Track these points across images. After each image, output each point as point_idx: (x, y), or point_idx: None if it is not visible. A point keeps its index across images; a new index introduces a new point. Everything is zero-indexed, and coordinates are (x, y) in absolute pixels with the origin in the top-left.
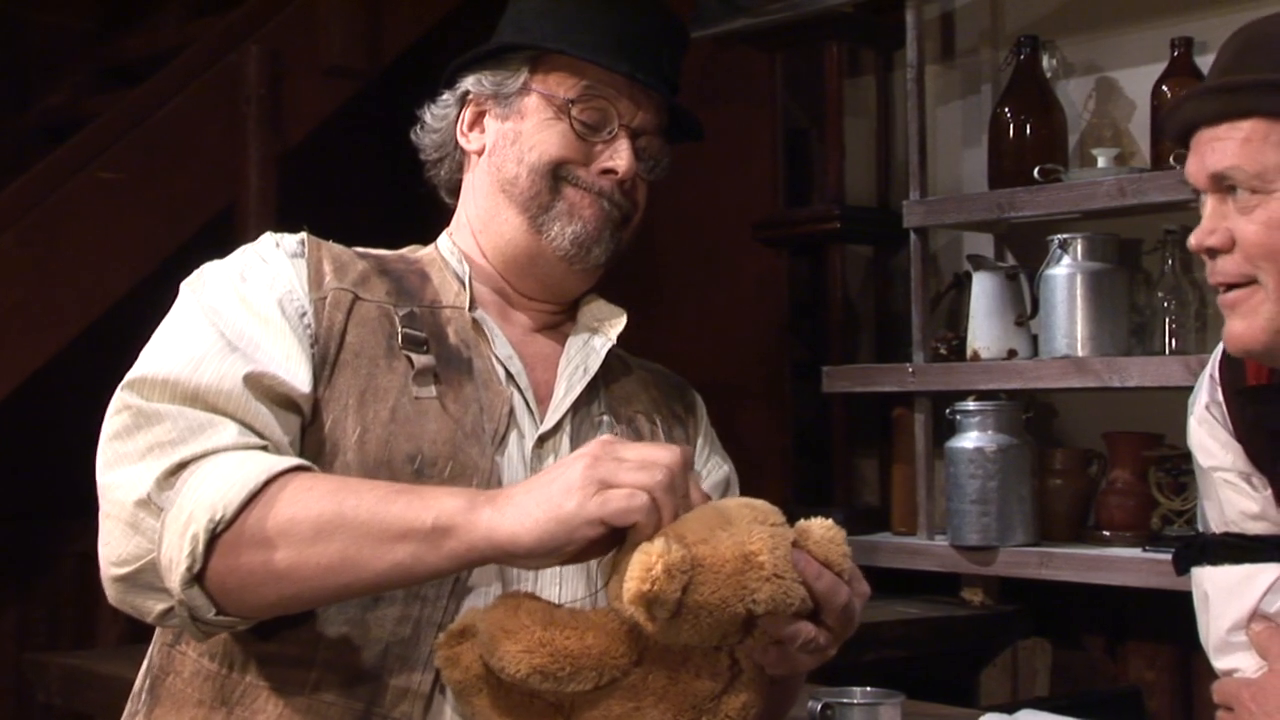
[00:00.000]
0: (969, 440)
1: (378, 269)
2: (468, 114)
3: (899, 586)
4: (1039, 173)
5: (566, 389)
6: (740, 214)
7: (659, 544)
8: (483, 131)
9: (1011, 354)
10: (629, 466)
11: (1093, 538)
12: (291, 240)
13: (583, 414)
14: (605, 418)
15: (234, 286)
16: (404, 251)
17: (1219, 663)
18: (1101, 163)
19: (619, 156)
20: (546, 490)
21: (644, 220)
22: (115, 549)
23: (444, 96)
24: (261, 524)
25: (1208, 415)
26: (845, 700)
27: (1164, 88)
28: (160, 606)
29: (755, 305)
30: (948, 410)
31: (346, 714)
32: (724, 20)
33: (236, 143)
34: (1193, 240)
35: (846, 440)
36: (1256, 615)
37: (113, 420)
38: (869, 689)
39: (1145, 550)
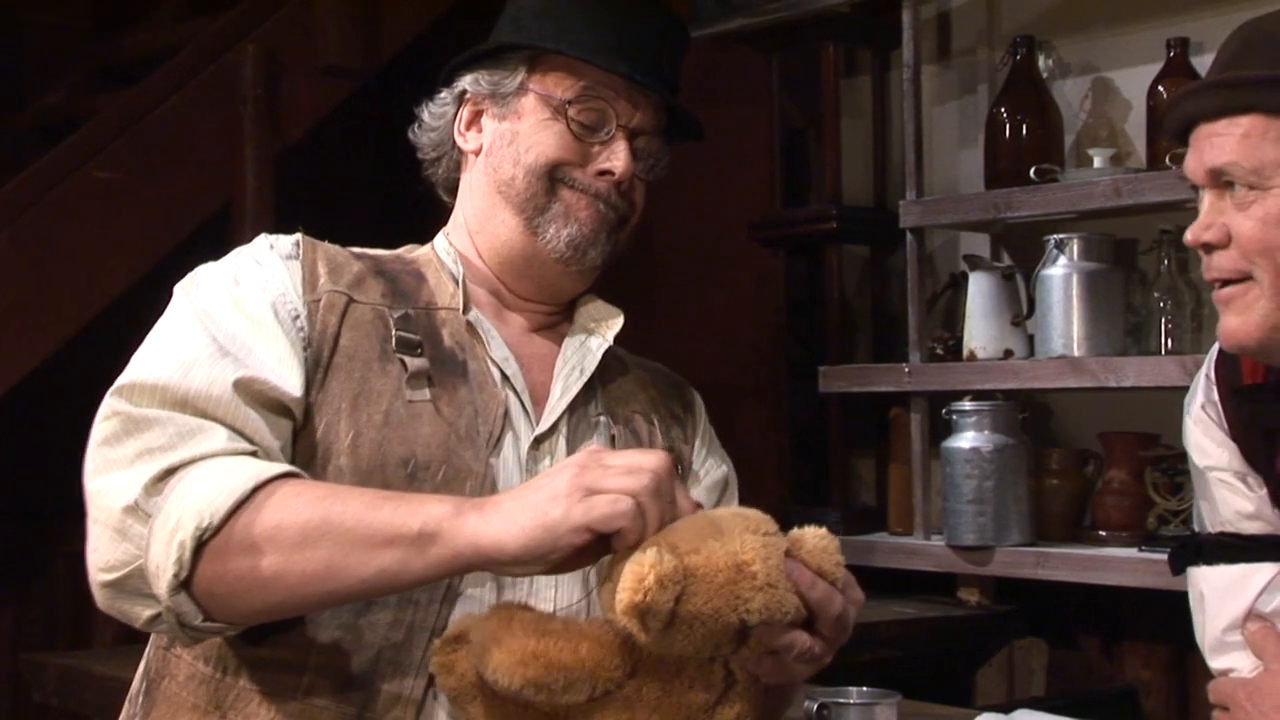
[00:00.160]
0: (965, 440)
1: (373, 270)
2: (465, 113)
3: (895, 586)
4: (1035, 173)
5: (563, 390)
6: (737, 214)
7: (651, 554)
8: (480, 131)
9: (1008, 354)
10: (614, 472)
11: (1089, 538)
12: (286, 242)
13: (579, 415)
14: (602, 418)
15: (227, 290)
16: (401, 251)
17: (1215, 662)
18: (1097, 163)
19: (616, 158)
20: (533, 498)
21: (641, 220)
22: (103, 555)
23: (441, 95)
24: (248, 530)
25: (1203, 415)
26: (841, 700)
27: (1160, 88)
28: (148, 612)
29: (752, 305)
30: (944, 410)
31: (339, 719)
32: (720, 20)
33: (233, 142)
34: (1189, 235)
35: (843, 440)
36: (1252, 615)
37: (101, 426)
38: (865, 689)
39: (1141, 550)
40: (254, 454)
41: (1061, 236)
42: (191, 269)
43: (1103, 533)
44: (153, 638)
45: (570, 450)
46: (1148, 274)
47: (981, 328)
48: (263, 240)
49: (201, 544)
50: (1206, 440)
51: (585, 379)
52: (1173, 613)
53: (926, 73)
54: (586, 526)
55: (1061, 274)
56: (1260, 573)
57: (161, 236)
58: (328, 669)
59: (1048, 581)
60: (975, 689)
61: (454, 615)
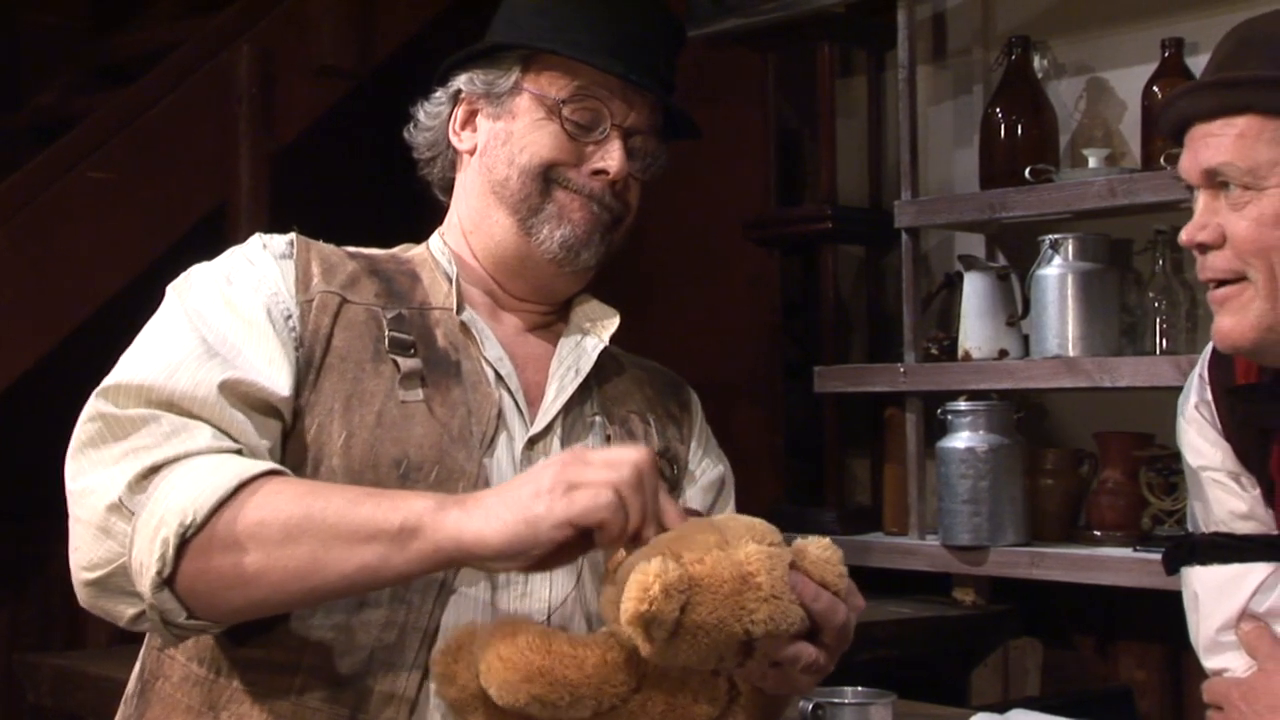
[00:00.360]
0: (960, 440)
1: (368, 270)
2: (460, 113)
3: (891, 586)
4: (1030, 173)
5: (558, 390)
6: (732, 214)
7: (656, 563)
8: (475, 131)
9: (1003, 354)
10: (595, 467)
11: (1083, 537)
12: (280, 241)
13: (575, 415)
14: (598, 418)
15: (219, 289)
16: (395, 251)
17: (1209, 662)
18: (1092, 163)
19: (610, 157)
20: (516, 494)
21: (636, 220)
22: (86, 554)
23: (436, 95)
24: (231, 528)
25: (1197, 415)
26: (837, 700)
27: (1155, 88)
28: (131, 610)
29: (747, 305)
30: (939, 410)
31: (332, 719)
32: (716, 20)
33: (228, 142)
34: (1184, 235)
35: (838, 440)
36: (1246, 615)
37: (85, 427)
38: (860, 689)
39: (1136, 550)
40: (239, 453)
41: (1056, 237)
42: (186, 269)
43: (1097, 533)
44: (147, 639)
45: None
46: (1142, 274)
47: (976, 328)
48: (256, 240)
49: (185, 541)
50: (1200, 440)
51: (580, 379)
52: (1167, 613)
53: (922, 73)
54: (569, 521)
55: (1056, 274)
56: (1254, 573)
57: (156, 236)
58: (321, 669)
59: (1043, 581)
60: (970, 689)
61: (446, 615)
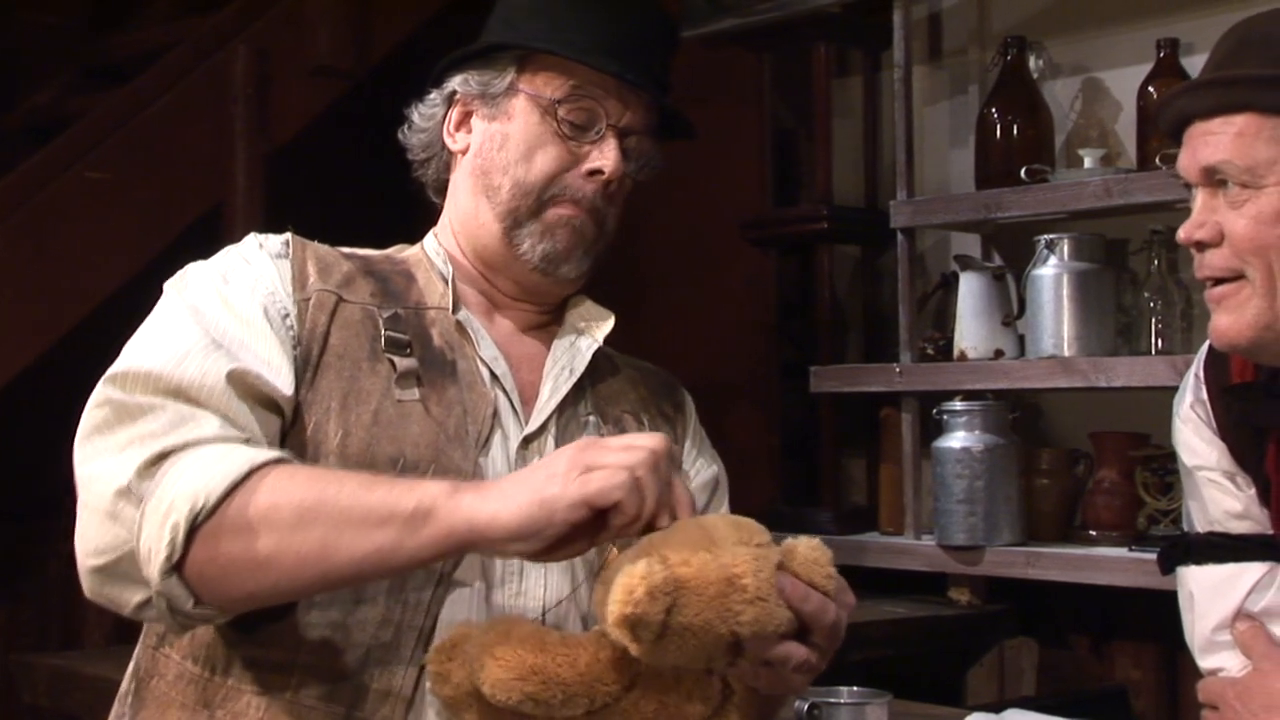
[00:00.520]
0: (956, 440)
1: (363, 270)
2: (454, 114)
3: (886, 586)
4: (1026, 173)
5: (552, 390)
6: (728, 214)
7: (641, 565)
8: (469, 132)
9: (998, 354)
10: (613, 450)
11: (1079, 537)
12: (275, 241)
13: (569, 415)
14: (591, 418)
15: (216, 288)
16: (390, 252)
17: (1204, 662)
18: (1088, 163)
19: (606, 157)
20: (531, 477)
21: (628, 220)
22: (93, 539)
23: (431, 96)
24: (243, 512)
25: (1193, 414)
26: (832, 700)
27: (1150, 88)
28: (138, 598)
29: (743, 305)
30: (935, 410)
31: (328, 717)
32: (711, 20)
33: (224, 142)
34: (1182, 233)
35: (834, 440)
36: (1241, 614)
37: (93, 413)
38: (856, 689)
39: (1131, 550)
40: (246, 442)
41: (1052, 237)
42: (182, 269)
43: (1093, 532)
44: (142, 637)
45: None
46: (1138, 274)
47: (972, 328)
48: (252, 239)
49: (195, 526)
50: (1196, 439)
51: (575, 379)
52: (1162, 612)
53: (917, 73)
54: (584, 500)
55: (1052, 274)
56: (1249, 572)
57: (152, 236)
58: (317, 668)
59: (1038, 581)
60: (966, 689)
61: (443, 614)
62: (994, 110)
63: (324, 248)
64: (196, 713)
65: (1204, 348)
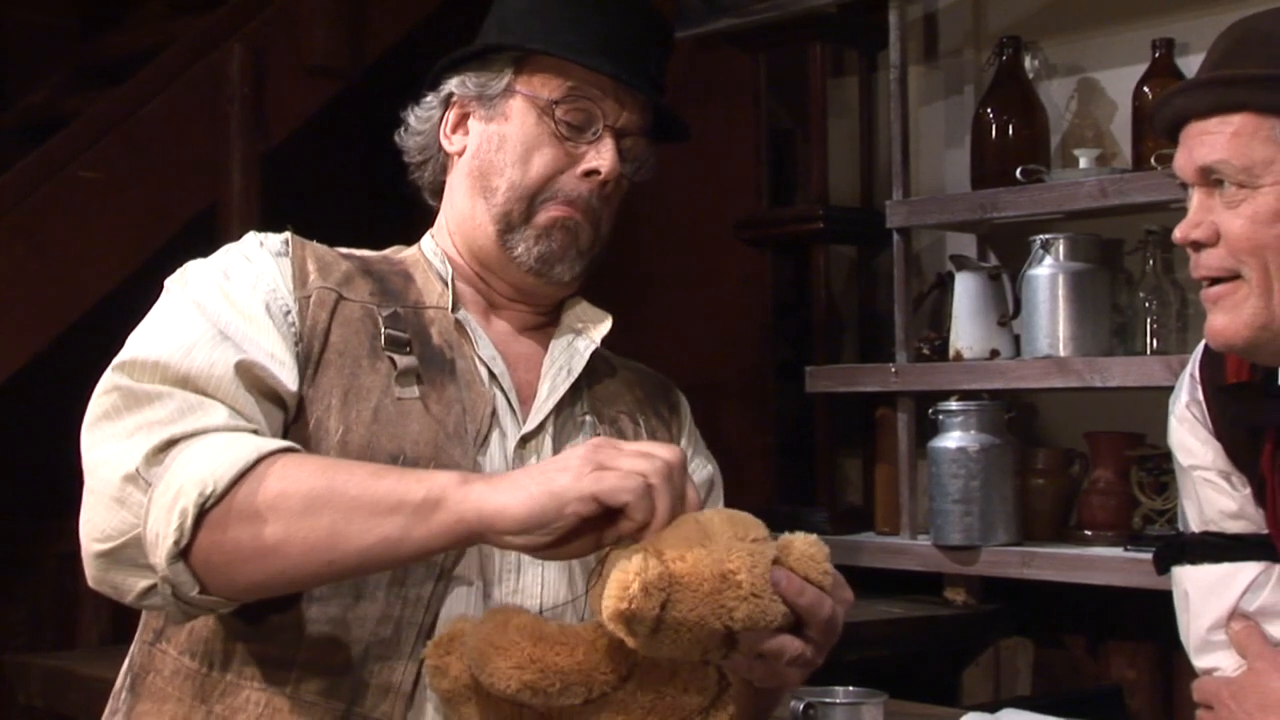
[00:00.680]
0: (952, 440)
1: (361, 269)
2: (451, 116)
3: (882, 586)
4: (1021, 173)
5: (550, 390)
6: (724, 213)
7: (636, 561)
8: (466, 133)
9: (994, 354)
10: (628, 454)
11: (1074, 537)
12: (275, 239)
13: (566, 415)
14: (588, 418)
15: (219, 283)
16: (387, 252)
17: (1199, 661)
18: (1083, 163)
19: (603, 156)
20: (542, 469)
21: (623, 220)
22: (99, 525)
23: (428, 98)
24: (251, 499)
25: (1188, 414)
26: (828, 700)
27: (1145, 89)
28: (142, 584)
29: (738, 305)
30: (930, 410)
31: (327, 714)
32: (707, 20)
33: (219, 142)
34: (1178, 233)
35: (829, 440)
36: (1236, 614)
37: (101, 400)
38: (851, 688)
39: (1126, 550)
40: (254, 432)
41: (1047, 237)
42: (178, 269)
43: (1088, 532)
44: (138, 633)
45: (556, 449)
46: (1133, 274)
47: (968, 328)
48: (252, 237)
49: (203, 512)
50: (1191, 439)
51: (573, 379)
52: (1158, 612)
53: (913, 73)
54: (594, 496)
55: (1047, 274)
56: (1244, 572)
57: (147, 236)
58: (316, 664)
59: (1034, 581)
60: (961, 688)
61: (443, 611)
62: (989, 110)
63: (322, 247)
64: (193, 708)
65: (1199, 347)
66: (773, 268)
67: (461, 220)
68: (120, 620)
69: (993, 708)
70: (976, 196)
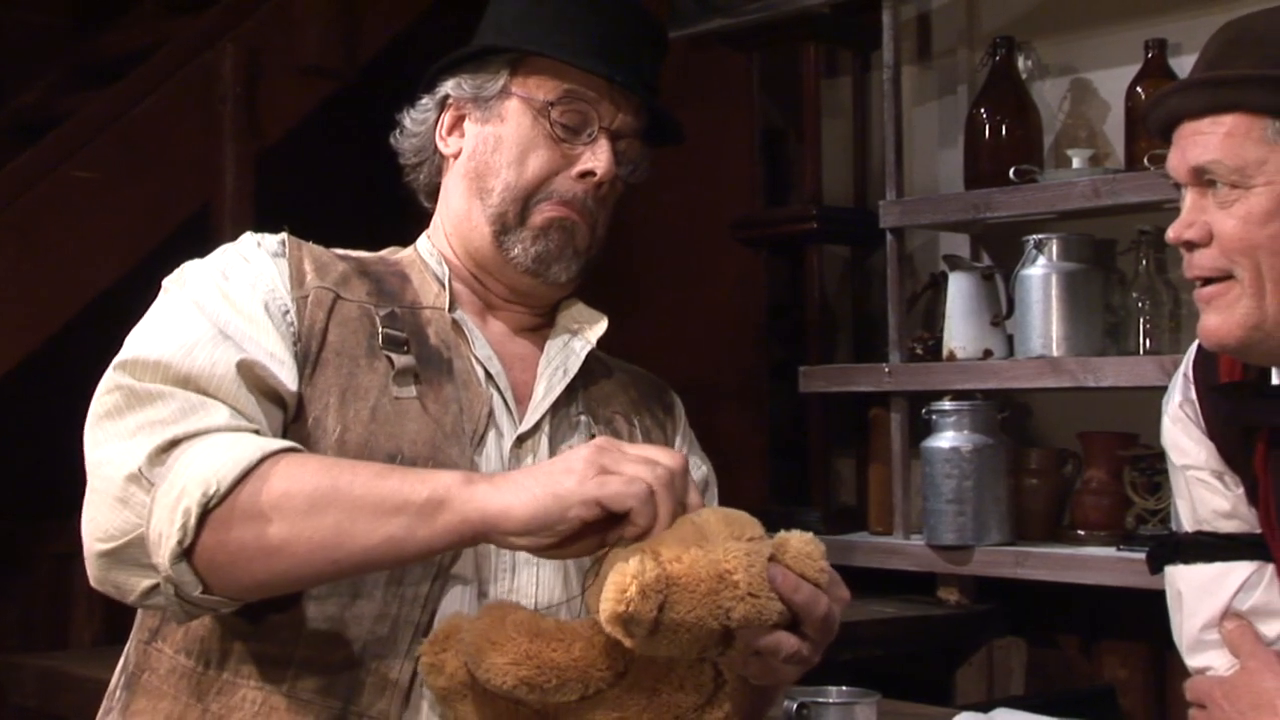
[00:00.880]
0: (945, 440)
1: (358, 270)
2: (447, 118)
3: (875, 586)
4: (1014, 173)
5: (546, 390)
6: (717, 214)
7: (634, 563)
8: (461, 135)
9: (987, 354)
10: (631, 459)
11: (1068, 537)
12: (272, 240)
13: (561, 415)
14: (583, 418)
15: (217, 283)
16: (384, 253)
17: (1192, 661)
18: (1076, 163)
19: (598, 158)
20: (547, 471)
21: (617, 220)
22: (102, 524)
23: (423, 100)
24: (255, 498)
25: (1181, 414)
26: (821, 700)
27: (1138, 89)
28: (145, 583)
29: (732, 305)
30: (924, 410)
31: (324, 712)
32: (700, 20)
33: (213, 142)
34: (1171, 233)
35: (823, 440)
36: (1229, 613)
37: (104, 399)
38: (845, 688)
39: (1120, 549)
40: (256, 433)
41: (1040, 237)
42: (172, 269)
43: (1081, 532)
44: (133, 633)
45: (552, 449)
46: (1126, 274)
47: (961, 328)
48: (249, 238)
49: (207, 511)
50: (1184, 439)
51: (569, 379)
52: (1151, 612)
53: (906, 73)
54: (597, 500)
55: (1040, 274)
56: (1237, 571)
57: (141, 236)
58: (312, 662)
59: (1027, 581)
60: (955, 688)
61: (439, 610)
62: (983, 110)
63: (319, 248)
64: (189, 706)
65: (1193, 347)
66: (766, 268)
67: (458, 221)
68: (114, 621)
69: (986, 707)
70: (970, 196)
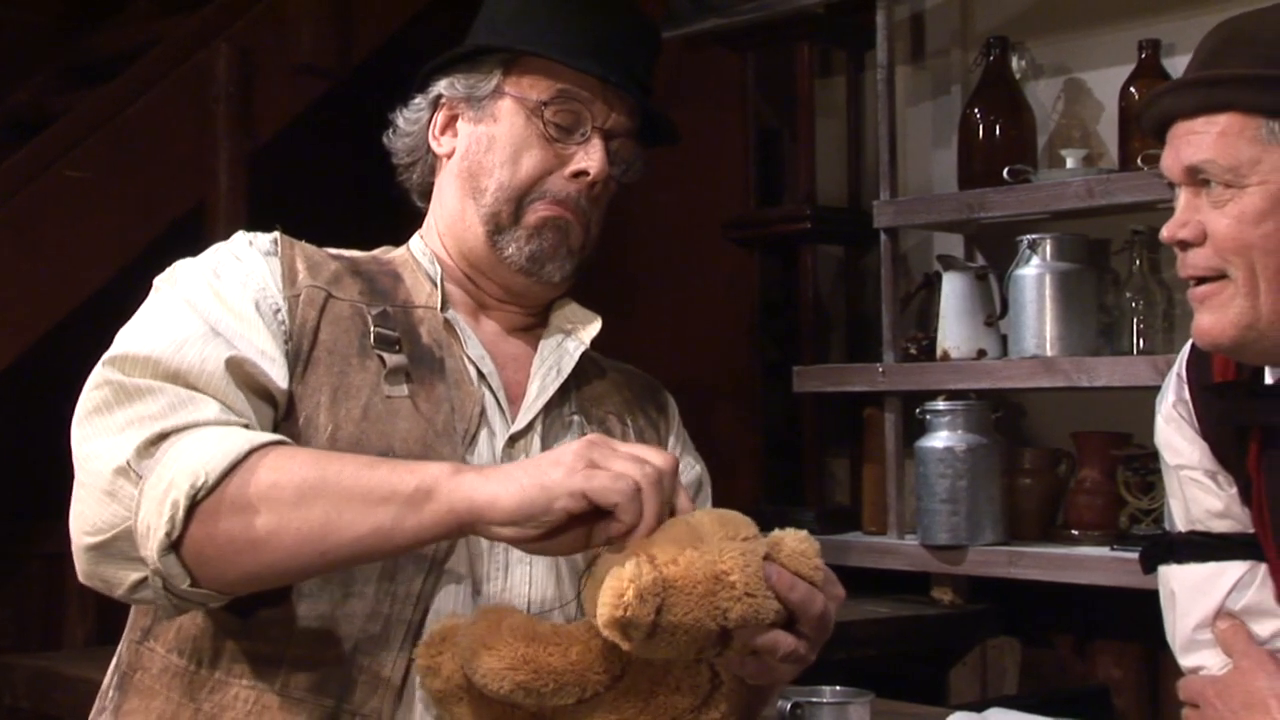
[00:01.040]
0: (939, 440)
1: (350, 269)
2: (440, 118)
3: (869, 585)
4: (1008, 173)
5: (539, 389)
6: (711, 214)
7: (630, 568)
8: (455, 135)
9: (981, 354)
10: (621, 456)
11: (1061, 537)
12: (264, 239)
13: (554, 415)
14: (576, 418)
15: (208, 281)
16: (376, 253)
17: (1185, 660)
18: (1070, 164)
19: (591, 158)
20: (537, 464)
21: (611, 220)
22: (89, 517)
23: (416, 100)
24: (243, 490)
25: (1175, 414)
26: (815, 699)
27: (1131, 89)
28: (133, 577)
29: (726, 305)
30: (918, 410)
31: (316, 710)
32: (695, 20)
33: (206, 141)
34: (1165, 232)
35: (817, 440)
36: (1222, 613)
37: (92, 394)
38: (839, 688)
39: (1113, 549)
40: (245, 427)
41: (1034, 237)
42: (164, 268)
43: (1075, 532)
44: (126, 632)
45: (545, 449)
46: (1120, 274)
47: (955, 328)
48: (241, 236)
49: (195, 503)
50: (1178, 439)
51: (562, 379)
52: (1144, 611)
53: (900, 73)
54: (584, 493)
55: (1034, 274)
56: (1230, 571)
57: (134, 236)
58: (305, 661)
59: (1021, 580)
60: (948, 688)
61: (431, 608)
62: (976, 111)
63: (311, 247)
64: (181, 705)
65: (1186, 347)
66: (760, 268)
67: (451, 221)
68: (106, 621)
69: (980, 707)
70: (964, 196)
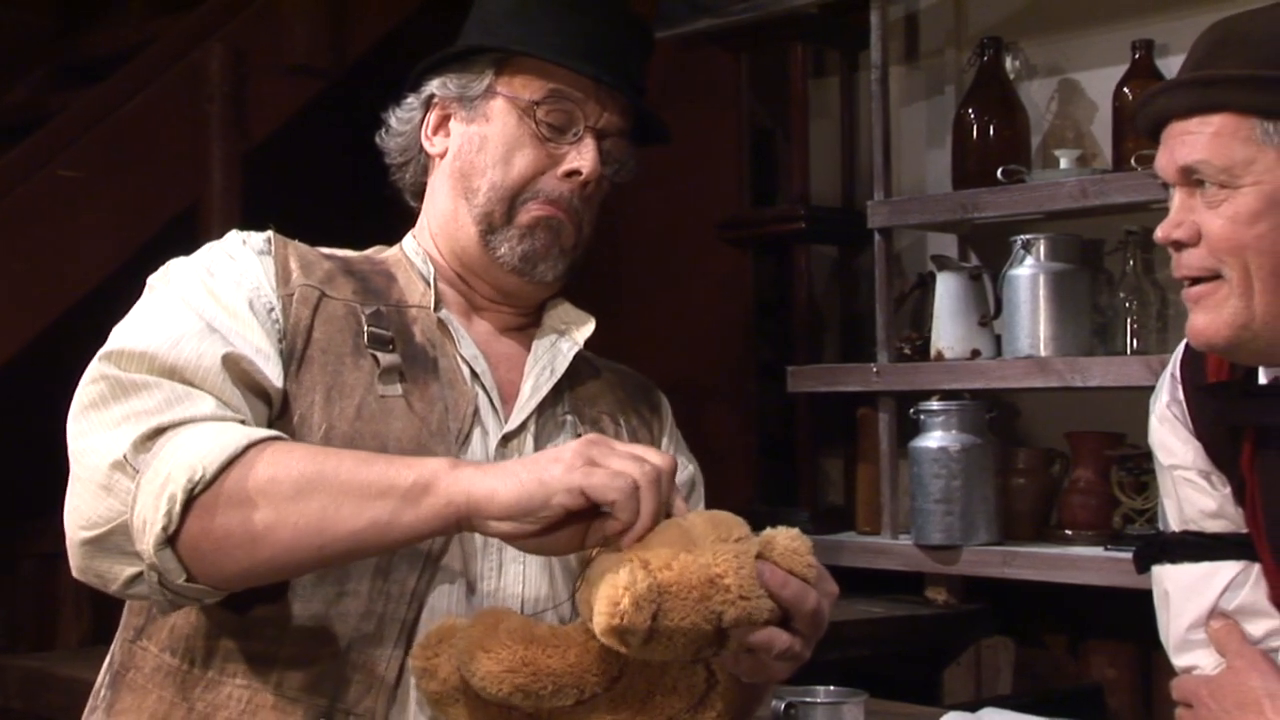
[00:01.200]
0: (933, 440)
1: (343, 269)
2: (433, 117)
3: (863, 586)
4: (1002, 174)
5: (533, 389)
6: (705, 214)
7: (624, 575)
8: (447, 135)
9: (975, 354)
10: (620, 455)
11: (1055, 537)
12: (258, 238)
13: (547, 414)
14: (569, 418)
15: (203, 280)
16: (369, 253)
17: (1178, 660)
18: (1064, 164)
19: (584, 157)
20: (536, 459)
21: (605, 220)
22: (85, 512)
23: (409, 100)
24: (241, 484)
25: (1169, 414)
26: (809, 699)
27: (1125, 89)
28: (128, 571)
29: (720, 305)
30: (912, 410)
31: (310, 709)
32: (689, 20)
33: (200, 141)
34: (1159, 233)
35: (811, 440)
36: (1215, 613)
37: (88, 389)
38: (832, 688)
39: (1107, 549)
40: (241, 423)
41: (1028, 237)
42: (159, 268)
43: (1069, 532)
44: (119, 632)
45: (538, 449)
46: (1113, 274)
47: (949, 328)
48: (235, 236)
49: (192, 498)
50: (1171, 439)
51: (556, 379)
52: (1138, 611)
53: (894, 73)
54: (581, 489)
55: (1028, 274)
56: (1223, 571)
57: (128, 235)
58: (299, 660)
59: (1014, 580)
60: (943, 688)
61: (425, 607)
62: (970, 111)
63: (304, 246)
64: (174, 704)
65: (1180, 347)
66: (754, 268)
67: (444, 221)
68: (100, 621)
69: (974, 707)
70: (957, 197)
